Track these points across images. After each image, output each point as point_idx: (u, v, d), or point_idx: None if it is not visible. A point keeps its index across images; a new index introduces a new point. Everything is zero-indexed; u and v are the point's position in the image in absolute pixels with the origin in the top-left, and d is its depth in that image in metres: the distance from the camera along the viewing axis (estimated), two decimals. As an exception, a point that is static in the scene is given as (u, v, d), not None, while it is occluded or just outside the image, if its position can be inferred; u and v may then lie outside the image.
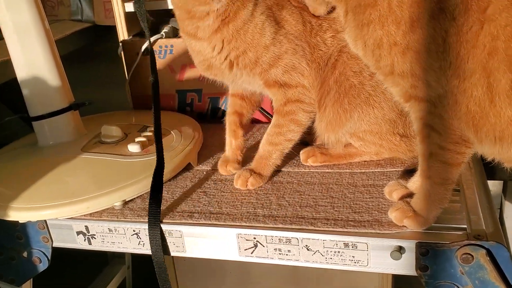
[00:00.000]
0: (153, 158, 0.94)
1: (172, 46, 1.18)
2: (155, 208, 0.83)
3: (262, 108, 1.15)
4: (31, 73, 0.97)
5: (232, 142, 0.98)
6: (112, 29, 1.29)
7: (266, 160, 0.91)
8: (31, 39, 0.95)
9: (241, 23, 0.84)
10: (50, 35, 0.98)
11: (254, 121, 1.18)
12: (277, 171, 0.95)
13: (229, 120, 1.00)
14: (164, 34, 1.18)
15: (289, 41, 0.86)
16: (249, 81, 0.91)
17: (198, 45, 0.88)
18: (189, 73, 1.20)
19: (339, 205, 0.82)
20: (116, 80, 1.33)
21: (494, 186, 1.23)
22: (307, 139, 1.01)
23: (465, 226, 0.74)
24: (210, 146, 1.09)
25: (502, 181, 1.22)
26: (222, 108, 1.23)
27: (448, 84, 0.66)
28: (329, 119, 0.89)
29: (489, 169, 1.10)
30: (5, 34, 0.95)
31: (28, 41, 0.95)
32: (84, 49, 1.47)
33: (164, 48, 1.19)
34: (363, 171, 0.92)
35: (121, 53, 1.24)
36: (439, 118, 0.69)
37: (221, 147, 1.08)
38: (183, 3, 0.85)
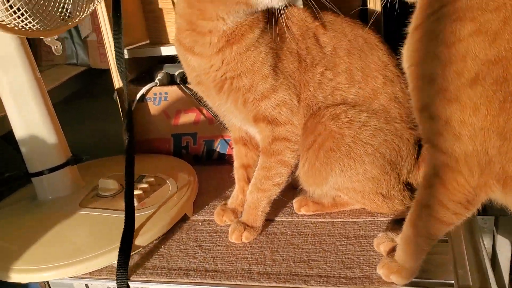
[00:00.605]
0: (150, 212, 0.97)
1: (166, 93, 1.21)
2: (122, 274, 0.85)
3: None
4: (28, 132, 0.99)
5: (239, 197, 1.00)
6: (108, 71, 1.32)
7: (256, 210, 0.93)
8: (27, 100, 0.97)
9: (245, 47, 0.84)
10: (46, 94, 1.01)
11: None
12: (271, 220, 0.98)
13: (238, 175, 1.02)
14: (158, 82, 1.20)
15: (285, 77, 0.88)
16: (232, 110, 0.92)
17: (193, 60, 0.88)
18: (183, 118, 1.23)
19: (332, 259, 0.84)
20: (113, 115, 1.36)
21: (486, 221, 1.25)
22: (292, 182, 1.03)
23: (452, 281, 0.76)
24: (206, 193, 1.12)
25: (494, 217, 1.24)
26: (217, 150, 1.25)
27: (484, 143, 0.63)
28: (304, 171, 0.91)
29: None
30: (2, 95, 0.97)
31: (24, 101, 0.97)
32: (80, 91, 1.50)
33: (158, 95, 1.21)
34: (354, 220, 0.94)
35: (116, 99, 1.26)
36: (453, 173, 0.66)
37: (217, 193, 1.11)
38: (187, 13, 0.84)
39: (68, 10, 0.90)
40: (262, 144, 0.92)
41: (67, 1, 0.87)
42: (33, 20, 0.81)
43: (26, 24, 0.80)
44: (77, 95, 1.50)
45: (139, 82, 1.24)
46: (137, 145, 1.28)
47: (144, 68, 1.29)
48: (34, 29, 0.82)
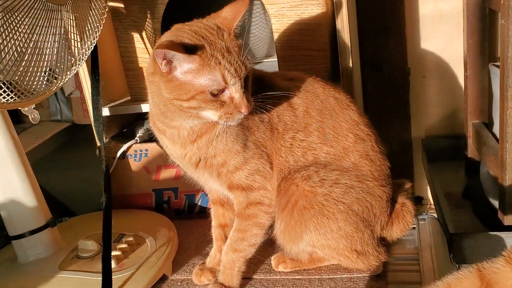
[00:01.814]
0: (129, 273, 0.98)
1: (147, 150, 1.23)
2: None
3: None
4: (7, 197, 1.00)
5: (217, 256, 1.00)
6: (91, 126, 1.34)
7: (231, 270, 0.94)
8: (7, 166, 0.99)
9: (215, 135, 0.87)
10: (24, 157, 1.02)
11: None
12: (249, 278, 0.98)
13: (215, 234, 1.03)
14: (138, 139, 1.23)
15: (257, 147, 0.90)
16: (208, 179, 0.95)
17: (168, 144, 0.92)
18: (164, 173, 1.25)
19: (307, 320, 0.85)
20: (97, 165, 1.37)
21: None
22: (270, 235, 1.04)
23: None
24: (186, 249, 1.12)
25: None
26: (199, 204, 1.27)
27: None
28: (281, 230, 0.93)
29: (460, 254, 1.13)
30: (-19, 162, 0.99)
31: (3, 168, 0.99)
32: (64, 146, 1.52)
33: (139, 152, 1.24)
34: (331, 276, 0.95)
35: (99, 155, 1.28)
36: None
37: (197, 250, 1.12)
38: (156, 102, 0.87)
39: (52, 70, 0.92)
40: (237, 208, 0.93)
41: (47, 61, 0.89)
42: (11, 92, 0.83)
43: (4, 97, 0.82)
44: (61, 150, 1.51)
45: (120, 139, 1.26)
46: (119, 200, 1.29)
47: (126, 124, 1.32)
48: (12, 101, 0.84)
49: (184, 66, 0.78)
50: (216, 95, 0.79)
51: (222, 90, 0.79)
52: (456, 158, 1.56)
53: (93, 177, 1.45)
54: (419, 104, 1.65)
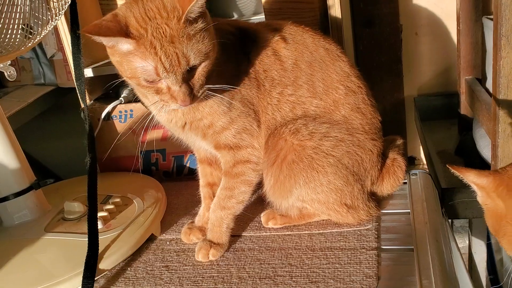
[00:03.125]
0: (116, 233, 0.96)
1: (131, 110, 1.20)
2: None
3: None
4: (-12, 159, 0.98)
5: (205, 214, 0.98)
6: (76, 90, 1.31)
7: (220, 227, 0.92)
8: (-15, 127, 0.96)
9: (200, 101, 0.84)
10: (4, 119, 0.99)
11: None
12: (238, 236, 0.97)
13: (203, 193, 1.01)
14: (123, 100, 1.19)
15: (244, 105, 0.88)
16: (195, 139, 0.93)
17: (152, 109, 0.88)
18: (151, 135, 1.22)
19: (297, 274, 0.83)
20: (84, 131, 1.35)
21: (461, 222, 1.25)
22: (261, 195, 1.03)
23: (416, 293, 0.76)
24: (175, 210, 1.11)
25: (468, 219, 1.24)
26: (187, 165, 1.24)
27: None
28: (271, 185, 0.91)
29: (452, 209, 1.13)
30: (-40, 123, 0.96)
31: (-18, 128, 0.96)
32: (49, 110, 1.48)
33: (124, 113, 1.20)
34: (321, 231, 0.94)
35: (83, 117, 1.25)
36: None
37: (186, 210, 1.10)
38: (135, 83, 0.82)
39: (28, 25, 0.89)
40: (224, 167, 0.91)
41: (23, 16, 0.85)
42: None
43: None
44: (46, 114, 1.48)
45: (104, 100, 1.23)
46: (105, 163, 1.26)
47: (109, 85, 1.28)
48: (-16, 55, 0.81)
49: (120, 45, 0.74)
50: (151, 82, 0.76)
51: (158, 80, 0.75)
52: (449, 116, 1.55)
53: (79, 142, 1.43)
54: (411, 62, 1.62)
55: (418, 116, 1.57)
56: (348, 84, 0.90)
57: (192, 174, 1.24)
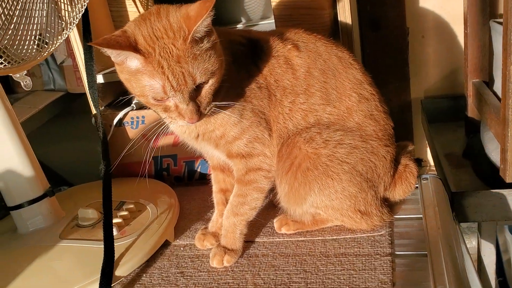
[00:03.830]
0: (130, 240, 0.97)
1: (143, 117, 1.21)
2: None
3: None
4: (4, 167, 0.98)
5: (219, 220, 0.99)
6: (85, 94, 1.31)
7: (233, 233, 0.93)
8: (1, 136, 0.97)
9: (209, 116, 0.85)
10: (19, 126, 1.00)
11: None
12: (251, 241, 0.98)
13: (216, 199, 1.02)
14: (134, 106, 1.20)
15: (255, 114, 0.89)
16: (208, 149, 0.94)
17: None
18: (163, 140, 1.23)
19: (312, 280, 0.84)
20: (94, 135, 1.36)
21: (467, 224, 1.26)
22: (271, 200, 1.05)
23: (431, 299, 0.76)
24: (188, 215, 1.11)
25: (477, 223, 1.25)
26: (198, 170, 1.25)
27: None
28: (285, 192, 0.92)
29: (462, 212, 1.14)
30: (-25, 132, 0.97)
31: (-2, 138, 0.97)
32: (59, 116, 1.49)
33: (136, 119, 1.21)
34: (334, 237, 0.95)
35: (94, 123, 1.26)
36: None
37: (198, 215, 1.11)
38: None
39: (40, 36, 0.89)
40: (237, 174, 0.92)
41: (36, 27, 0.86)
42: (1, 57, 0.80)
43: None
44: (56, 120, 1.49)
45: (116, 106, 1.24)
46: (117, 169, 1.27)
47: (121, 91, 1.29)
48: (2, 67, 0.82)
49: (129, 61, 0.75)
50: (159, 100, 0.77)
51: (165, 98, 0.77)
52: (455, 119, 1.56)
53: (89, 147, 1.44)
54: (418, 64, 1.63)
55: (426, 119, 1.58)
56: (361, 91, 0.91)
57: (203, 179, 1.26)
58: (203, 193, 1.18)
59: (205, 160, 1.23)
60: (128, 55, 0.75)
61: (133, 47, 0.74)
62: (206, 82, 0.78)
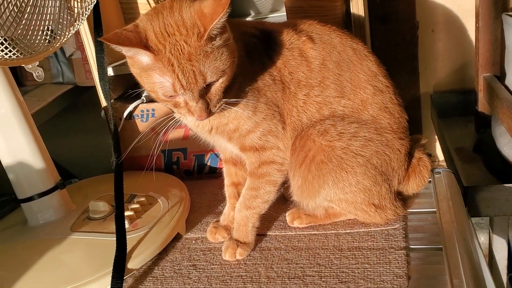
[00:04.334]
0: (142, 233, 0.97)
1: (153, 110, 1.20)
2: None
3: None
4: (15, 159, 0.98)
5: (230, 213, 0.99)
6: (94, 88, 1.31)
7: (245, 226, 0.93)
8: (13, 128, 0.96)
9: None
10: (30, 119, 1.00)
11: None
12: (264, 235, 0.97)
13: (228, 192, 1.02)
14: (145, 99, 1.19)
15: (269, 107, 0.88)
16: (220, 141, 0.93)
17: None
18: (173, 134, 1.22)
19: (326, 274, 0.84)
20: (102, 129, 1.35)
21: (476, 219, 1.25)
22: (283, 193, 1.05)
23: (447, 292, 0.76)
24: (198, 209, 1.11)
25: (489, 217, 1.24)
26: (208, 164, 1.25)
27: None
28: (298, 185, 0.91)
29: (474, 207, 1.13)
30: (-16, 123, 0.97)
31: (9, 129, 0.97)
32: (68, 109, 1.49)
33: (146, 112, 1.21)
34: (348, 231, 0.94)
35: (104, 116, 1.25)
36: None
37: (209, 209, 1.10)
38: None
39: (50, 29, 0.89)
40: (250, 168, 0.92)
41: (48, 19, 0.86)
42: (14, 48, 0.80)
43: (6, 54, 0.79)
44: (65, 113, 1.48)
45: (126, 99, 1.23)
46: (127, 162, 1.27)
47: (131, 84, 1.28)
48: (15, 57, 0.81)
49: (139, 57, 0.75)
50: (169, 97, 0.77)
51: (175, 95, 0.76)
52: (465, 113, 1.55)
53: (98, 141, 1.43)
54: (427, 59, 1.62)
55: (436, 113, 1.57)
56: (376, 84, 0.90)
57: (213, 173, 1.25)
58: (213, 187, 1.18)
59: (215, 154, 1.23)
60: (138, 51, 0.74)
61: (144, 44, 0.73)
62: (216, 80, 0.77)
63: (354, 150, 0.86)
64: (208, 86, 0.77)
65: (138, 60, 0.75)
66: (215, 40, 0.75)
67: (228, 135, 0.89)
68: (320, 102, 0.88)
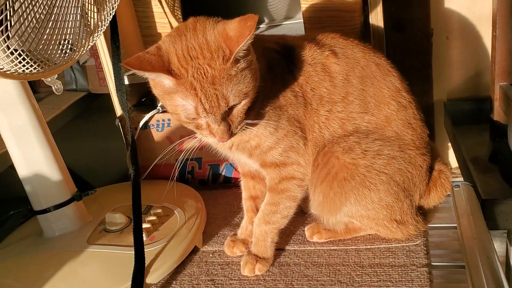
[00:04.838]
0: (160, 246, 0.96)
1: (169, 120, 1.19)
2: None
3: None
4: (31, 170, 0.97)
5: (248, 227, 0.98)
6: (107, 95, 1.30)
7: (264, 241, 0.92)
8: (29, 139, 0.96)
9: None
10: (47, 131, 0.99)
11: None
12: (282, 249, 0.96)
13: (246, 206, 1.01)
14: (160, 109, 1.19)
15: (291, 124, 0.87)
16: (240, 157, 0.93)
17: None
18: (188, 143, 1.21)
19: (348, 291, 0.83)
20: (115, 135, 1.34)
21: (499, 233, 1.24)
22: (301, 206, 1.03)
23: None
24: (214, 220, 1.10)
25: (506, 230, 1.23)
26: (223, 174, 1.24)
27: None
28: (319, 201, 0.90)
29: (493, 220, 1.12)
30: (3, 135, 0.96)
31: (26, 141, 0.96)
32: (81, 116, 1.48)
33: (161, 122, 1.20)
34: (368, 247, 0.93)
35: (118, 125, 1.25)
36: None
37: (225, 220, 1.10)
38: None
39: (68, 41, 0.88)
40: (270, 183, 0.91)
41: (67, 32, 0.85)
42: (34, 62, 0.79)
43: (27, 68, 0.78)
44: (78, 120, 1.48)
45: (140, 108, 1.22)
46: (141, 171, 1.26)
47: (145, 92, 1.27)
48: (35, 71, 0.80)
49: (162, 79, 0.74)
50: (192, 119, 0.76)
51: (198, 118, 0.76)
52: (479, 121, 1.53)
53: (111, 149, 1.43)
54: (441, 66, 1.60)
55: (450, 122, 1.55)
56: (399, 100, 0.89)
57: (227, 183, 1.24)
58: (228, 197, 1.17)
59: (230, 164, 1.22)
60: (160, 75, 0.73)
61: (166, 69, 0.72)
62: (239, 103, 0.76)
63: (378, 168, 0.85)
64: (230, 109, 0.76)
65: (161, 83, 0.74)
66: (239, 63, 0.74)
67: (249, 151, 0.88)
68: (343, 118, 0.87)
